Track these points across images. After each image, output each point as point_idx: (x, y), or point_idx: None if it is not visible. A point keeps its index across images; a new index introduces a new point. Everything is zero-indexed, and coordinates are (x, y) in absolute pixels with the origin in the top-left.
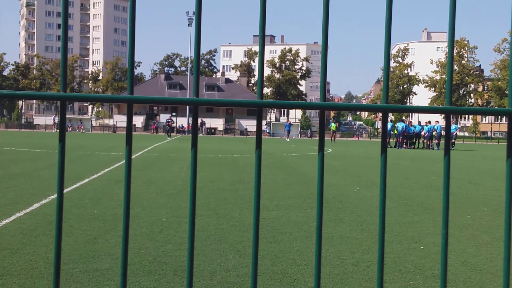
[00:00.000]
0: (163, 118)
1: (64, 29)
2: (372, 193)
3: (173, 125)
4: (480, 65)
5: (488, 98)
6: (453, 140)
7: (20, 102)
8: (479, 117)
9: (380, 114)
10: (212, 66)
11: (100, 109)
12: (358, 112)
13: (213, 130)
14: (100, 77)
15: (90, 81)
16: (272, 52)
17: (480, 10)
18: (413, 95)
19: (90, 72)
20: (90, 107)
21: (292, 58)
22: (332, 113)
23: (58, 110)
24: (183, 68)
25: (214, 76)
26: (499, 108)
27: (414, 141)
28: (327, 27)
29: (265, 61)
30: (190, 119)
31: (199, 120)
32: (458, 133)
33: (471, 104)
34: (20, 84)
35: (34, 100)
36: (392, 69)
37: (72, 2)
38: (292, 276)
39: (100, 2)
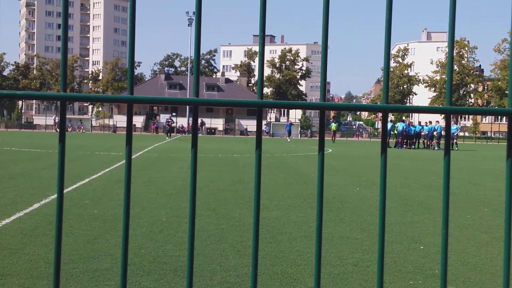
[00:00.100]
0: (163, 118)
1: (64, 29)
2: (372, 193)
3: (173, 125)
4: (480, 65)
5: (488, 98)
6: (455, 140)
7: (20, 102)
8: (479, 117)
9: (380, 114)
10: (212, 66)
11: (100, 109)
12: (358, 112)
13: (213, 130)
14: (100, 77)
15: (90, 81)
16: (272, 52)
17: (480, 10)
18: (413, 95)
19: (90, 72)
20: (90, 107)
21: (292, 58)
22: (332, 113)
23: (58, 110)
24: (183, 68)
25: (214, 76)
26: (499, 108)
27: (414, 141)
28: (327, 27)
29: (265, 61)
30: (190, 119)
31: (199, 120)
32: (458, 134)
33: (471, 104)
34: (20, 84)
35: (34, 100)
36: (392, 69)
37: (72, 2)
38: (292, 276)
39: (100, 2)
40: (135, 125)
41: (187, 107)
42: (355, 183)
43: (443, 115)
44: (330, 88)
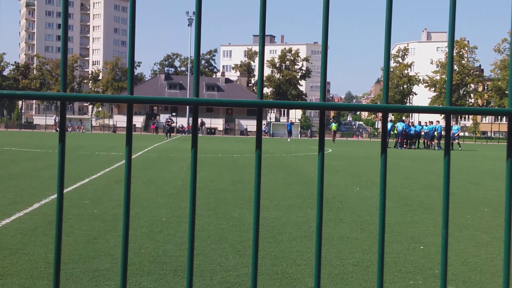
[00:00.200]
0: (163, 118)
1: (64, 29)
2: (372, 193)
3: (172, 125)
4: (480, 65)
5: (488, 98)
6: (457, 141)
7: (20, 102)
8: (479, 117)
9: (380, 114)
10: (212, 66)
11: (100, 109)
12: (358, 112)
13: (213, 130)
14: (100, 77)
15: (90, 81)
16: (272, 52)
17: (480, 10)
18: (413, 95)
19: (90, 72)
20: (90, 107)
21: (292, 58)
22: (332, 113)
23: (58, 110)
24: (183, 68)
25: (214, 76)
26: (499, 108)
27: (414, 141)
28: (327, 27)
29: (265, 61)
30: (190, 119)
31: (199, 120)
32: (459, 134)
33: (471, 104)
34: (20, 84)
35: (34, 100)
36: (392, 69)
37: (72, 2)
38: (292, 276)
39: (100, 2)
40: (135, 125)
41: (187, 107)
42: (355, 183)
43: (443, 115)
44: (330, 88)
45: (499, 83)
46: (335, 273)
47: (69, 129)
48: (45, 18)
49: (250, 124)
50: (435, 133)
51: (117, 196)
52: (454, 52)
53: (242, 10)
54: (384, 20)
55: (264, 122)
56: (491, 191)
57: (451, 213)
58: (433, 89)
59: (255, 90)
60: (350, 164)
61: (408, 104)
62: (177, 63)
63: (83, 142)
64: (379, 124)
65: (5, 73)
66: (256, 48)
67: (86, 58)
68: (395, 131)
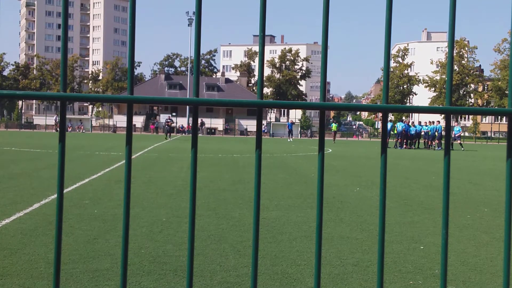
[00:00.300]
0: (163, 118)
1: (64, 29)
2: (372, 193)
3: (172, 125)
4: (480, 65)
5: (488, 98)
6: (459, 141)
7: (20, 102)
8: (479, 117)
9: (380, 114)
10: (212, 66)
11: (100, 109)
12: (358, 112)
13: (213, 130)
14: (100, 77)
15: (90, 81)
16: (272, 52)
17: (480, 10)
18: (413, 95)
19: (90, 72)
20: (90, 107)
21: (292, 58)
22: (332, 113)
23: (58, 110)
24: (183, 68)
25: (214, 76)
26: (499, 108)
27: (414, 141)
28: (327, 27)
29: (265, 61)
30: (190, 119)
31: (199, 120)
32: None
33: (471, 104)
34: (20, 84)
35: (34, 100)
36: (392, 69)
37: (72, 2)
38: (292, 276)
39: (100, 2)
40: (135, 125)
41: (187, 107)
42: (355, 183)
43: (443, 115)
44: (330, 88)
45: (499, 83)
46: (335, 273)
47: (69, 129)
48: (45, 18)
49: (250, 124)
50: (436, 133)
51: (117, 196)
52: (454, 52)
53: (242, 10)
54: (384, 20)
55: (264, 122)
56: (491, 191)
57: (451, 213)
58: (433, 89)
59: (255, 90)
60: (350, 164)
61: (408, 104)
62: (177, 63)
63: (83, 142)
64: (379, 124)
65: (5, 73)
66: (256, 48)
67: (86, 58)
68: (395, 131)
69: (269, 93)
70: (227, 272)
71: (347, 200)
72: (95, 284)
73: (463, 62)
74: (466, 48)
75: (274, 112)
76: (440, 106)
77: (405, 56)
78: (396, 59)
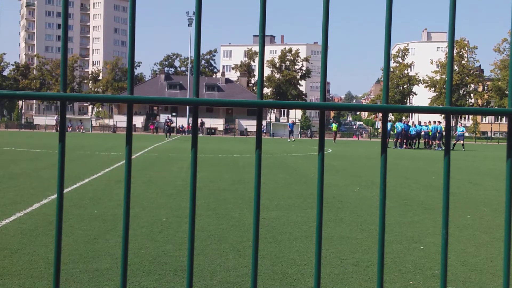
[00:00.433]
0: (163, 118)
1: (64, 29)
2: (372, 193)
3: (172, 125)
4: (480, 65)
5: (488, 98)
6: (462, 142)
7: (20, 102)
8: (479, 117)
9: (380, 114)
10: (212, 66)
11: (100, 109)
12: (358, 112)
13: (213, 130)
14: (100, 77)
15: (90, 81)
16: (272, 52)
17: (480, 10)
18: (413, 95)
19: (90, 72)
20: (90, 107)
21: (292, 58)
22: (332, 113)
23: (58, 110)
24: (183, 68)
25: (214, 76)
26: (499, 108)
27: (414, 141)
28: (327, 27)
29: (265, 61)
30: (190, 119)
31: (199, 120)
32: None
33: (471, 104)
34: (20, 84)
35: (34, 100)
36: (392, 69)
37: (72, 2)
38: (292, 276)
39: (100, 2)
40: (135, 125)
41: (187, 107)
42: (355, 183)
43: (443, 115)
44: (330, 88)
45: (499, 83)
46: (335, 273)
47: (69, 129)
48: (45, 18)
49: (250, 124)
50: (437, 133)
51: (117, 196)
52: (454, 52)
53: (242, 10)
54: (384, 20)
55: (264, 122)
56: (491, 191)
57: (451, 213)
58: (433, 89)
59: (255, 90)
60: (350, 164)
61: (408, 104)
62: (177, 63)
63: (83, 142)
64: (379, 124)
65: (5, 73)
66: (256, 48)
67: (86, 58)
68: (395, 131)
69: (269, 93)
70: (227, 272)
71: (347, 200)
72: (95, 284)
73: (463, 62)
74: (466, 48)
75: (274, 112)
76: (440, 106)
77: (405, 56)
78: (396, 59)
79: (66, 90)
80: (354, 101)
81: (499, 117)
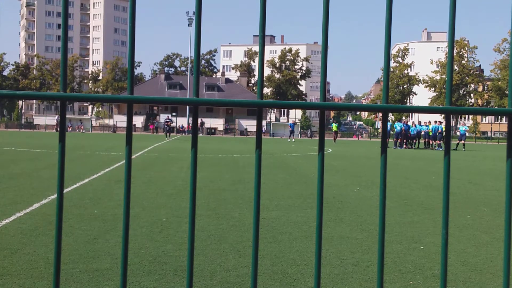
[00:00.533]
0: (163, 118)
1: (64, 29)
2: (372, 193)
3: (172, 125)
4: (480, 65)
5: (488, 98)
6: (463, 142)
7: (20, 102)
8: (479, 117)
9: (380, 114)
10: (212, 66)
11: (100, 109)
12: (358, 112)
13: (213, 130)
14: (100, 77)
15: (90, 81)
16: (272, 52)
17: (480, 10)
18: (413, 95)
19: (90, 72)
20: (90, 107)
21: (292, 58)
22: (332, 113)
23: (58, 110)
24: (183, 68)
25: (214, 76)
26: (499, 108)
27: (414, 141)
28: (327, 27)
29: (265, 61)
30: (190, 119)
31: (199, 120)
32: (467, 134)
33: (471, 104)
34: (20, 84)
35: (34, 100)
36: (392, 69)
37: (72, 2)
38: (292, 276)
39: (100, 2)
40: (135, 125)
41: (187, 107)
42: (355, 183)
43: (443, 115)
44: (330, 88)
45: (499, 83)
46: (335, 273)
47: (69, 129)
48: (45, 18)
49: (250, 124)
50: (437, 133)
51: (117, 196)
52: (454, 52)
53: (242, 10)
54: (384, 20)
55: (264, 122)
56: (491, 191)
57: (451, 213)
58: (433, 89)
59: (255, 90)
60: (350, 164)
61: (408, 104)
62: (177, 63)
63: (83, 142)
64: (379, 124)
65: (5, 73)
66: (256, 48)
67: (86, 58)
68: (394, 131)
69: (269, 93)
70: (227, 272)
71: (347, 200)
72: (95, 284)
73: (463, 62)
74: (466, 48)
75: (274, 112)
76: (440, 106)
77: (405, 56)
78: (396, 59)
79: (66, 90)
80: (354, 101)
81: (499, 117)
